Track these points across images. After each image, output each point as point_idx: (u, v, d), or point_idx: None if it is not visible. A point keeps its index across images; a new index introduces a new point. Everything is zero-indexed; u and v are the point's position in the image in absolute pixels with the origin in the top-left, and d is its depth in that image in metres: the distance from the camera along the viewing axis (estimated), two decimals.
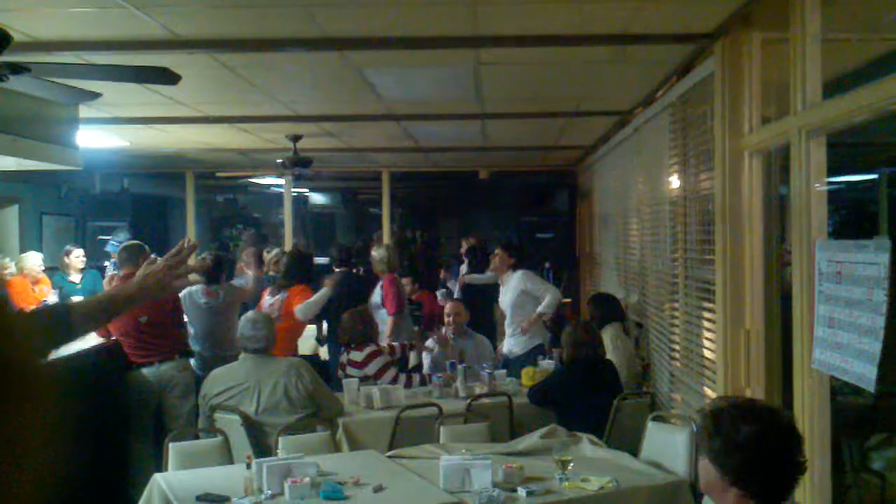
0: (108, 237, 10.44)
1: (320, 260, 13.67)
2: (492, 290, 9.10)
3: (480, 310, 8.63)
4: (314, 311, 7.56)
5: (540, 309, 7.54)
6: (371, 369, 6.39)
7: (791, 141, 3.76)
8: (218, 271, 7.66)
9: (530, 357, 7.43)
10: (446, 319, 7.36)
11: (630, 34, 4.67)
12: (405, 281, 9.60)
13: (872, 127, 3.88)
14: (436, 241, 15.51)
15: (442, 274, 10.07)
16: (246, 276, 8.43)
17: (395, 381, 6.36)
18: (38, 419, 0.78)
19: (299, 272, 7.88)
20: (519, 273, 7.78)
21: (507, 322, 7.92)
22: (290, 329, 7.64)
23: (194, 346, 7.26)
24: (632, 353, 6.69)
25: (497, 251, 8.05)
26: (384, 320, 7.88)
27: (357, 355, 6.45)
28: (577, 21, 4.52)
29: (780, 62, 4.01)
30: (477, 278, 9.29)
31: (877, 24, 4.43)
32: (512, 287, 7.78)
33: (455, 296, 9.52)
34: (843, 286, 3.23)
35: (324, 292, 7.62)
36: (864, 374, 3.06)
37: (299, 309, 7.51)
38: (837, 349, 3.27)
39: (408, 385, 6.44)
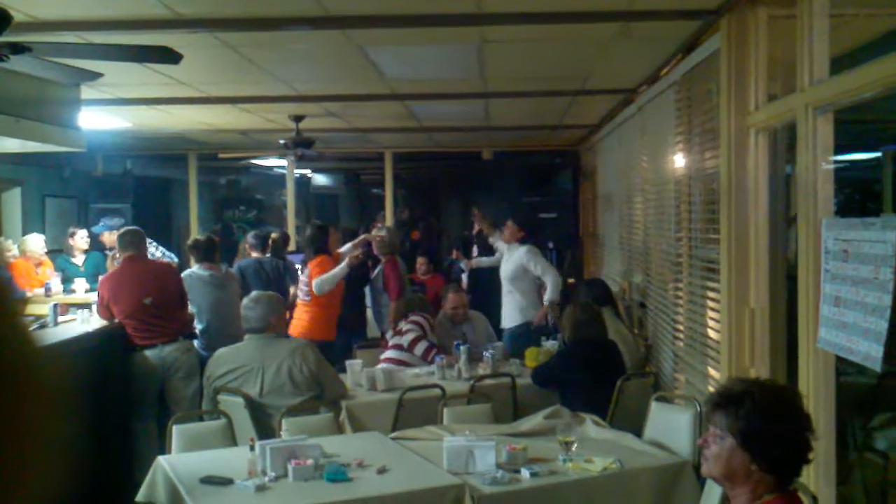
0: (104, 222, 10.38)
1: None
2: (497, 272, 9.08)
3: (490, 292, 8.60)
4: (329, 286, 7.45)
5: (547, 297, 7.56)
6: (408, 336, 6.76)
7: (798, 118, 3.73)
8: (211, 251, 7.65)
9: (522, 332, 7.49)
10: (451, 311, 7.34)
11: (635, 10, 4.62)
12: (420, 261, 9.56)
13: (876, 104, 3.84)
14: (436, 222, 15.45)
15: (454, 254, 10.01)
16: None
17: (412, 346, 6.69)
18: (39, 403, 0.76)
19: (318, 244, 7.82)
20: (524, 248, 7.81)
21: (503, 292, 7.96)
22: (321, 306, 7.55)
23: (198, 324, 7.25)
24: (626, 336, 6.66)
25: (508, 223, 8.07)
26: (386, 304, 7.91)
27: (403, 325, 6.88)
28: None
29: (786, 38, 3.97)
30: (484, 261, 9.26)
31: None
32: (514, 260, 7.82)
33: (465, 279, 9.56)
34: (850, 265, 3.20)
35: (341, 268, 7.52)
36: (870, 353, 3.04)
37: (315, 283, 7.44)
38: (843, 328, 3.25)
39: (425, 357, 6.58)
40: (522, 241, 7.92)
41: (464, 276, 9.70)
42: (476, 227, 10.29)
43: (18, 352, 0.76)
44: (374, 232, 8.55)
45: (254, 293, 5.84)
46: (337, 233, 8.19)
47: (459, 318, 7.32)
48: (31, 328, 0.81)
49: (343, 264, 7.49)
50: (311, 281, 7.50)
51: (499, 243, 8.41)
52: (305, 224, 10.95)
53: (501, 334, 7.84)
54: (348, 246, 7.72)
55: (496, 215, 9.12)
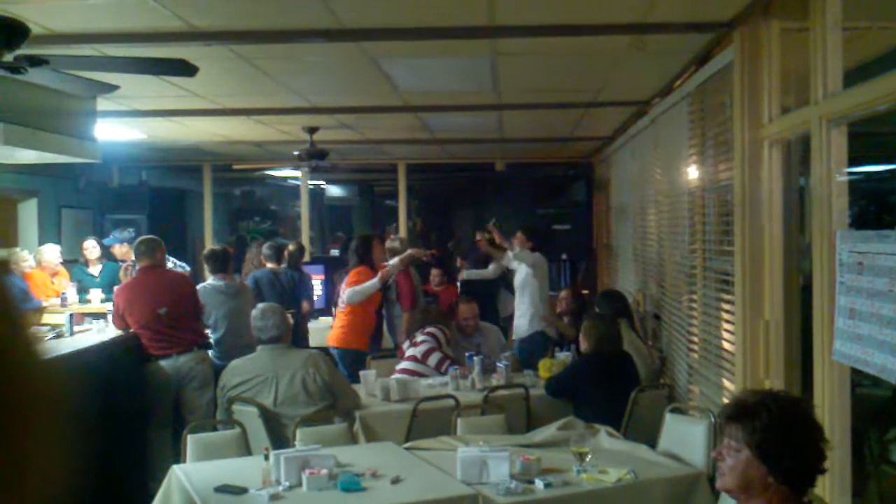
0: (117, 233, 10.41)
1: (333, 252, 13.75)
2: (491, 285, 9.06)
3: (482, 304, 8.61)
4: (358, 297, 7.48)
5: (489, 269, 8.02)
6: (422, 347, 6.76)
7: (812, 130, 3.73)
8: (225, 262, 7.68)
9: (533, 342, 7.49)
10: (463, 323, 7.34)
11: (649, 23, 4.64)
12: (434, 273, 9.55)
13: (891, 116, 3.83)
14: (450, 233, 15.46)
15: (459, 262, 10.00)
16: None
17: (425, 357, 6.68)
18: (40, 413, 0.77)
19: (362, 255, 7.86)
20: (534, 256, 7.87)
21: (516, 303, 7.99)
22: (355, 314, 7.60)
23: (214, 334, 7.28)
24: (641, 348, 6.65)
25: (517, 234, 8.10)
26: (399, 315, 7.94)
27: (419, 336, 6.87)
28: (595, 10, 4.50)
29: (799, 51, 3.98)
30: (474, 273, 9.21)
31: None
32: (522, 269, 7.85)
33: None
34: (865, 277, 3.20)
35: (372, 282, 7.55)
36: (886, 365, 3.03)
37: (347, 292, 7.49)
38: (858, 340, 3.25)
39: (438, 368, 6.61)
40: (531, 251, 7.95)
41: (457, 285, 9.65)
42: (478, 238, 10.28)
43: (20, 362, 0.77)
44: (387, 243, 8.55)
45: (261, 305, 5.86)
46: (381, 245, 8.23)
47: (471, 330, 7.33)
48: (35, 338, 0.82)
49: (375, 279, 7.52)
50: (348, 286, 7.57)
51: (512, 262, 8.34)
52: (344, 236, 10.96)
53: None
54: (394, 262, 7.74)
55: (509, 227, 9.10)
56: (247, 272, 9.19)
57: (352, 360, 7.17)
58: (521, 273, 7.92)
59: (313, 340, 8.73)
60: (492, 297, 9.00)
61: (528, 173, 13.08)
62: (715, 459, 2.57)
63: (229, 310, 7.41)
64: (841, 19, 3.60)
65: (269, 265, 8.77)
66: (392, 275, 7.73)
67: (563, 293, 8.56)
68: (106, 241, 9.84)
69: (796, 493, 2.43)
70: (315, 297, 9.64)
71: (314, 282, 9.73)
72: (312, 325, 9.24)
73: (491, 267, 8.89)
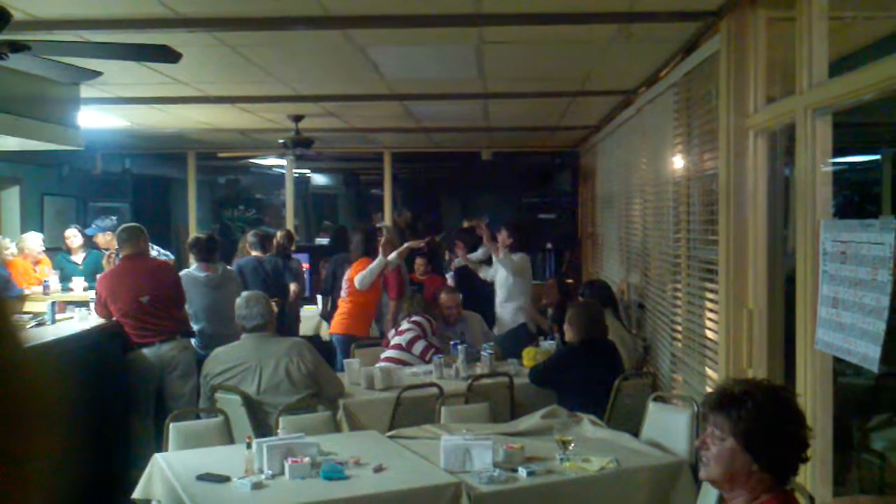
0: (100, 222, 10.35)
1: (321, 241, 13.72)
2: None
3: (479, 288, 8.60)
4: (369, 279, 7.57)
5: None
6: (407, 336, 6.78)
7: (797, 120, 3.74)
8: (211, 250, 7.65)
9: (516, 336, 7.50)
10: (446, 311, 7.36)
11: (635, 11, 4.62)
12: (419, 262, 9.57)
13: (874, 106, 3.84)
14: (437, 223, 15.47)
15: (448, 256, 10.00)
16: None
17: (410, 345, 6.72)
18: (27, 403, 0.76)
19: (367, 247, 7.93)
20: (518, 255, 7.86)
21: (497, 301, 8.00)
22: (357, 304, 7.70)
23: (195, 325, 7.25)
24: (625, 337, 6.66)
25: (502, 231, 8.12)
26: (386, 304, 7.94)
27: (405, 324, 6.89)
28: None
29: (785, 40, 3.98)
30: (471, 258, 9.20)
31: (883, 2, 4.39)
32: (506, 267, 7.87)
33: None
34: (848, 266, 3.21)
35: (378, 262, 7.61)
36: (868, 354, 3.04)
37: (357, 279, 7.58)
38: (841, 330, 3.26)
39: (423, 357, 6.64)
40: (512, 248, 7.94)
41: (448, 276, 9.65)
42: (466, 225, 10.27)
43: (3, 351, 0.76)
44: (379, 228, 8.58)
45: (245, 293, 5.84)
46: (381, 238, 8.27)
47: (454, 319, 7.35)
48: (17, 326, 0.81)
49: (379, 258, 7.58)
50: (351, 278, 7.66)
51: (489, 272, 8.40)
52: (333, 224, 10.90)
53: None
54: (392, 257, 7.75)
55: (494, 216, 9.10)
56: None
57: (352, 345, 7.21)
58: (502, 273, 7.94)
59: (301, 328, 8.74)
60: (490, 291, 8.96)
61: (514, 162, 13.09)
62: (698, 449, 2.57)
63: (210, 302, 7.39)
64: (827, 9, 3.60)
65: (255, 253, 8.75)
66: (395, 265, 7.78)
67: (547, 283, 8.56)
68: (88, 231, 9.78)
69: (779, 482, 2.44)
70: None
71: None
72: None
73: (480, 251, 8.89)
